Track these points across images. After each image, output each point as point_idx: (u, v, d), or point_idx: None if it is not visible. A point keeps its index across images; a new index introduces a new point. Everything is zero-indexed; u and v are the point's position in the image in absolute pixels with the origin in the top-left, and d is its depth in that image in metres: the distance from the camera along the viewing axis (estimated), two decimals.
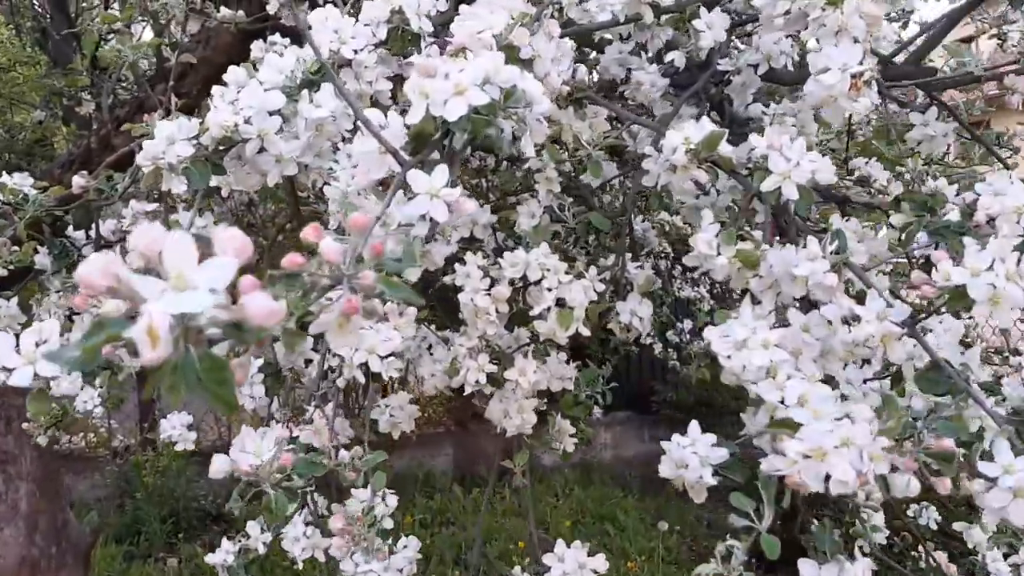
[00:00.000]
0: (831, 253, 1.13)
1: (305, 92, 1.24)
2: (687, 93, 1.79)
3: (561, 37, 1.47)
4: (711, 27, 1.42)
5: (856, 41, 1.28)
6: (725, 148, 1.21)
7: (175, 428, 1.86)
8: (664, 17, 1.45)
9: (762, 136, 1.28)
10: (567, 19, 1.59)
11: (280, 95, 1.17)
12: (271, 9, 2.78)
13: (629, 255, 1.75)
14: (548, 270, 1.54)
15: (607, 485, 6.25)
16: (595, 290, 1.57)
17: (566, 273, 1.55)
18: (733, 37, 2.01)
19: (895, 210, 1.64)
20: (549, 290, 1.52)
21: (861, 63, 1.20)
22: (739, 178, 1.25)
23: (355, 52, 1.27)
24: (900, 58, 1.98)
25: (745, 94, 1.88)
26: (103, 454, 5.67)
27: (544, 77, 1.32)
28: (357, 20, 1.35)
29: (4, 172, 1.56)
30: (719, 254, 1.20)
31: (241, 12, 2.66)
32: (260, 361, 1.56)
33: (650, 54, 2.00)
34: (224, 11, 2.58)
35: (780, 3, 1.39)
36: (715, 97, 2.00)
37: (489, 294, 1.58)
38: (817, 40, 1.32)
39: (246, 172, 1.19)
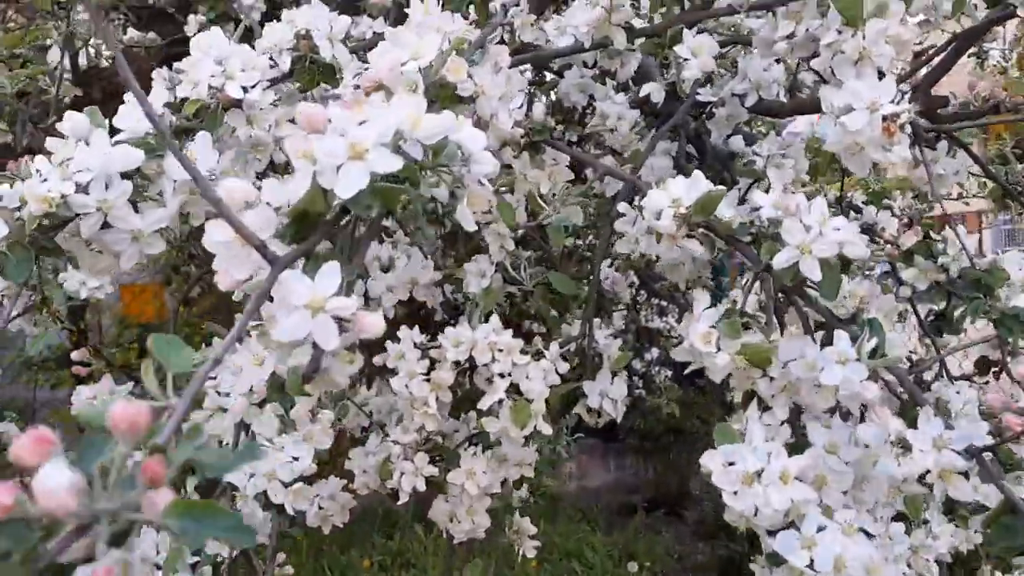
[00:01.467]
0: (867, 354, 0.86)
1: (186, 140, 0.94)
2: (662, 128, 1.52)
3: (512, 67, 1.19)
4: (697, 54, 1.15)
5: (881, 74, 1.01)
6: (725, 211, 0.94)
7: None
8: (639, 42, 1.18)
9: (767, 192, 1.01)
10: (519, 44, 1.32)
11: (134, 152, 0.87)
12: (189, 31, 2.48)
13: (597, 320, 1.47)
14: (500, 350, 1.26)
15: (573, 519, 5.96)
16: (557, 371, 1.29)
17: (522, 353, 1.27)
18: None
19: (907, 263, 1.38)
20: (501, 376, 1.24)
21: (895, 102, 0.93)
22: (742, 249, 0.98)
23: (245, 90, 0.98)
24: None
25: (728, 127, 1.62)
26: None
27: (490, 120, 1.04)
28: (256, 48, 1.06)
29: None
30: (719, 350, 0.92)
31: (153, 34, 2.36)
32: None
33: (618, 82, 1.73)
34: (132, 33, 2.27)
35: (782, 24, 1.12)
36: (692, 130, 1.74)
37: (428, 379, 1.29)
38: (832, 71, 1.06)
39: (93, 253, 0.89)
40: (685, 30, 1.14)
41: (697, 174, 0.96)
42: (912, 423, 0.82)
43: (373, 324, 0.62)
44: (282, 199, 0.67)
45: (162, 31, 2.63)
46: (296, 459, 1.00)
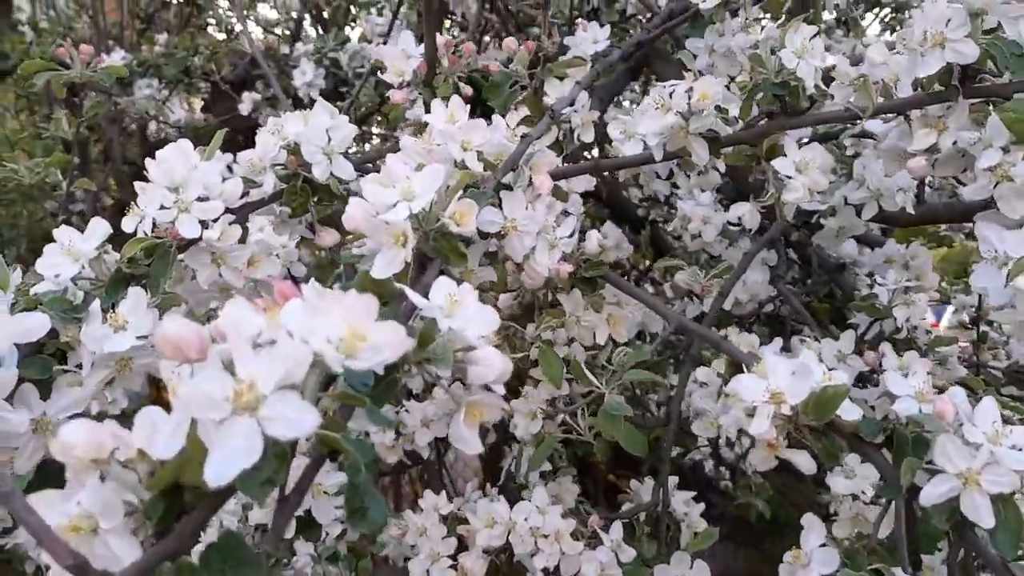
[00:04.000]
0: None
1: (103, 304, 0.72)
2: (759, 243, 1.24)
3: (563, 177, 0.94)
4: (804, 171, 0.87)
5: None
6: (849, 411, 0.66)
7: None
8: (727, 151, 0.91)
9: (903, 375, 0.73)
10: (577, 146, 1.07)
11: (39, 319, 0.65)
12: (244, 110, 2.32)
13: (674, 479, 1.18)
14: (545, 536, 0.99)
15: None
16: (619, 560, 1.01)
17: (573, 537, 1.00)
18: None
19: None
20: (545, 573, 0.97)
21: None
22: (870, 456, 0.69)
23: (205, 225, 0.75)
24: None
25: (840, 242, 1.33)
26: None
27: (525, 261, 0.79)
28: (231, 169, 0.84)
29: None
30: None
31: (200, 114, 2.21)
32: None
33: (701, 191, 1.47)
34: (176, 115, 2.12)
35: (920, 134, 0.84)
36: (796, 240, 1.45)
37: (455, 566, 1.03)
38: (994, 201, 0.77)
39: None
40: (788, 140, 0.87)
41: (807, 356, 0.68)
42: None
43: None
44: (156, 452, 0.43)
45: (216, 110, 2.49)
46: None
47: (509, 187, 0.79)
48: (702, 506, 1.20)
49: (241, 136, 2.55)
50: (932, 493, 0.62)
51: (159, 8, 2.91)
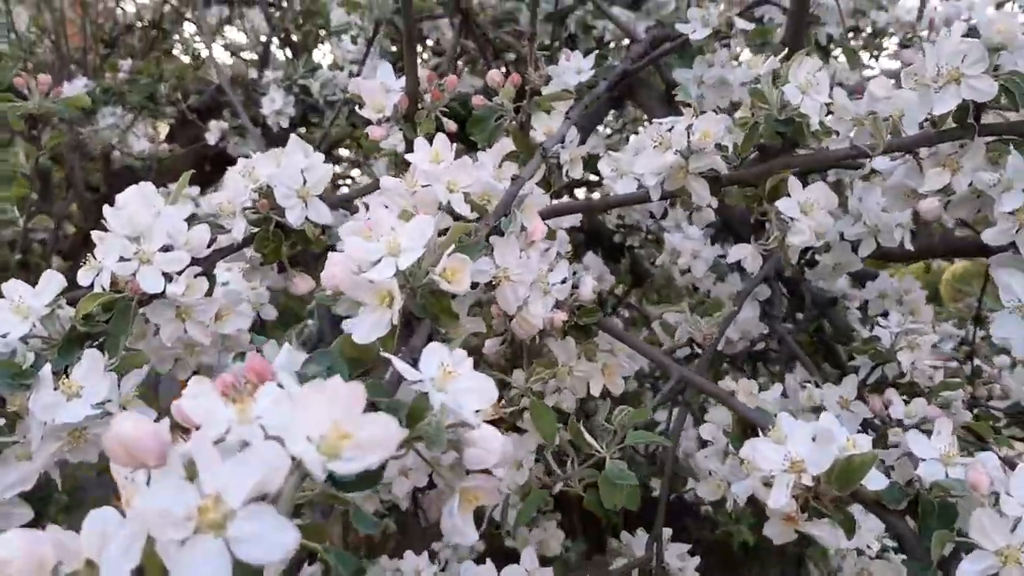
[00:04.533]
0: None
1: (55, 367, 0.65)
2: (753, 281, 1.19)
3: (551, 216, 0.89)
4: (808, 212, 0.82)
5: None
6: (875, 480, 0.60)
7: None
8: (728, 190, 0.87)
9: (923, 433, 0.68)
10: (566, 183, 1.02)
11: None
12: (211, 139, 2.24)
13: (667, 531, 1.12)
14: None
15: None
16: None
17: None
18: None
19: None
20: None
21: None
22: (895, 526, 0.64)
23: (168, 278, 0.69)
24: None
25: (835, 278, 1.28)
26: None
27: (519, 312, 0.73)
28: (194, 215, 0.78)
29: None
30: None
31: (165, 146, 2.13)
32: None
33: (689, 223, 1.42)
34: (140, 145, 2.04)
35: (932, 173, 0.80)
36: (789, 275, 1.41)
37: None
38: (1016, 247, 0.73)
39: None
40: (792, 180, 0.82)
41: (827, 420, 0.63)
42: None
43: None
44: (106, 572, 0.36)
45: (184, 137, 2.41)
46: None
47: (500, 231, 0.74)
48: (697, 559, 1.14)
49: (208, 165, 2.48)
50: (969, 571, 0.57)
51: (123, 32, 2.83)
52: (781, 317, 1.28)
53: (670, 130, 0.81)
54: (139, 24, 2.92)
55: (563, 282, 0.81)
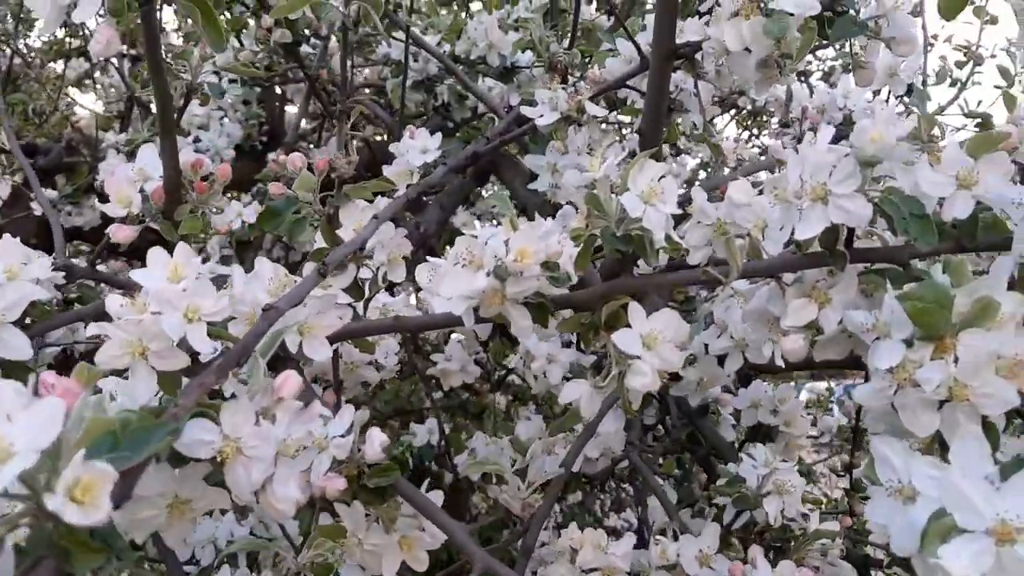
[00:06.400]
0: None
1: None
2: (597, 419, 1.03)
3: (346, 339, 0.71)
4: (652, 346, 0.67)
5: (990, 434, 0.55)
6: None
7: None
8: (561, 315, 0.71)
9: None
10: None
11: None
12: (37, 209, 1.98)
13: None
14: None
15: None
16: None
17: None
18: None
19: None
20: None
21: None
22: None
23: None
24: None
25: (700, 395, 1.14)
26: None
27: (260, 493, 0.55)
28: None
29: None
30: None
31: None
32: None
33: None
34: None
35: (795, 306, 0.65)
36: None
37: None
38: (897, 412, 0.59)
39: None
40: (633, 307, 0.67)
41: None
42: None
43: None
44: None
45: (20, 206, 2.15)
46: None
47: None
48: None
49: (37, 238, 2.22)
50: None
51: None
52: (637, 439, 1.12)
53: (485, 244, 0.65)
54: None
55: (345, 435, 0.63)
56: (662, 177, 0.69)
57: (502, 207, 0.68)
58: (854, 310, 0.63)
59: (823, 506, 1.58)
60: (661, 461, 1.46)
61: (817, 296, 0.66)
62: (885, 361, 0.56)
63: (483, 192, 2.30)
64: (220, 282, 0.73)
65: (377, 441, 0.64)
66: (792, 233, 0.64)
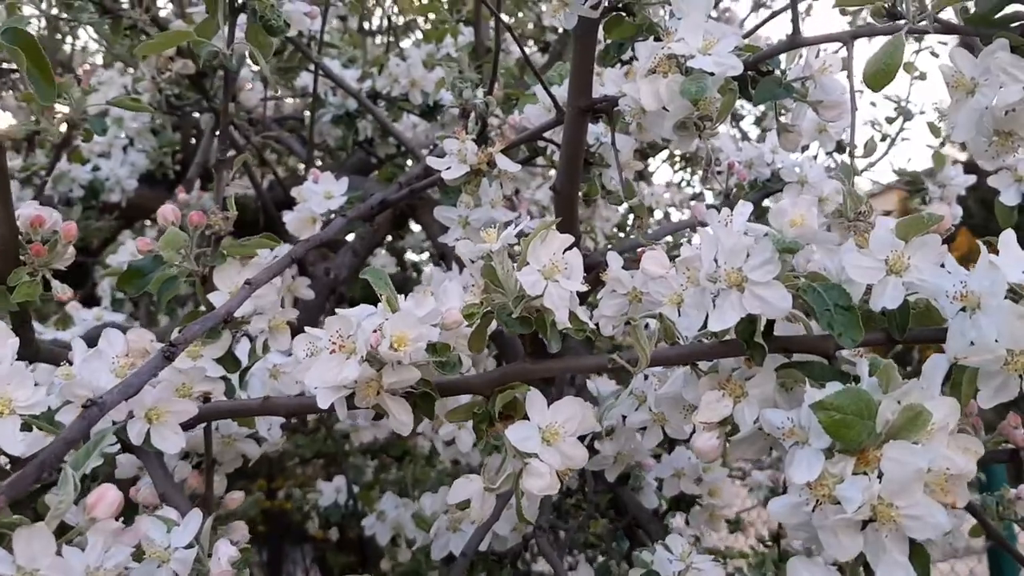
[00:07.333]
0: None
1: None
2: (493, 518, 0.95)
3: (195, 426, 0.62)
4: (554, 439, 0.60)
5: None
6: None
7: None
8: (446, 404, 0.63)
9: None
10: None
11: None
12: None
13: None
14: None
15: None
16: None
17: None
18: None
19: None
20: None
21: None
22: None
23: None
24: None
25: (619, 468, 1.07)
26: None
27: None
28: None
29: None
30: None
31: None
32: None
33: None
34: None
35: (709, 402, 0.59)
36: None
37: None
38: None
39: None
40: (532, 397, 0.59)
41: None
42: None
43: None
44: None
45: None
46: None
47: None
48: None
49: None
50: None
51: None
52: (546, 523, 1.04)
53: (358, 327, 0.57)
54: None
55: (189, 547, 0.54)
56: (567, 249, 0.62)
57: (378, 286, 0.59)
58: (771, 408, 0.56)
59: (749, 559, 1.51)
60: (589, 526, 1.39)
61: (733, 389, 0.59)
62: (802, 475, 0.50)
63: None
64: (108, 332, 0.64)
65: (224, 558, 0.55)
66: (705, 321, 0.57)
